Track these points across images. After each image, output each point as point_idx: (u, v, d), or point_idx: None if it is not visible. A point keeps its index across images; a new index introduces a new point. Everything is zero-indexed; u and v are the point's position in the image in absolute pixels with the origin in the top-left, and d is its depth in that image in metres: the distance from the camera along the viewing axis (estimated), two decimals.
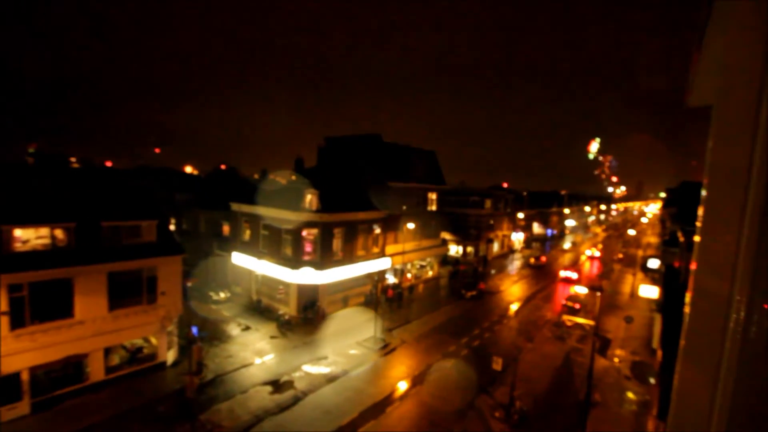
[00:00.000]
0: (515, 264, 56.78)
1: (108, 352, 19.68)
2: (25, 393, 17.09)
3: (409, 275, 40.37)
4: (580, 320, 26.83)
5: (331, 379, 21.43)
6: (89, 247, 18.92)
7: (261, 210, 31.59)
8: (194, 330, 23.14)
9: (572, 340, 28.45)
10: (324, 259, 29.50)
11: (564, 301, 35.28)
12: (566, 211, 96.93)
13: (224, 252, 35.71)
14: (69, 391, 18.31)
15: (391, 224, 35.92)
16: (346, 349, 25.13)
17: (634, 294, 41.13)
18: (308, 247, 29.50)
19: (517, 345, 26.93)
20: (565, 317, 31.91)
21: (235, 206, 34.07)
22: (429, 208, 41.70)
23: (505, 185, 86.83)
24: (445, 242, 47.56)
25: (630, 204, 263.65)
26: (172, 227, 26.38)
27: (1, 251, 16.61)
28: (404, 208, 37.10)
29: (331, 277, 29.79)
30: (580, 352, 26.47)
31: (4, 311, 16.38)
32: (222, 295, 32.77)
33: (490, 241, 58.00)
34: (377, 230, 34.50)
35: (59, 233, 18.35)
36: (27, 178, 19.92)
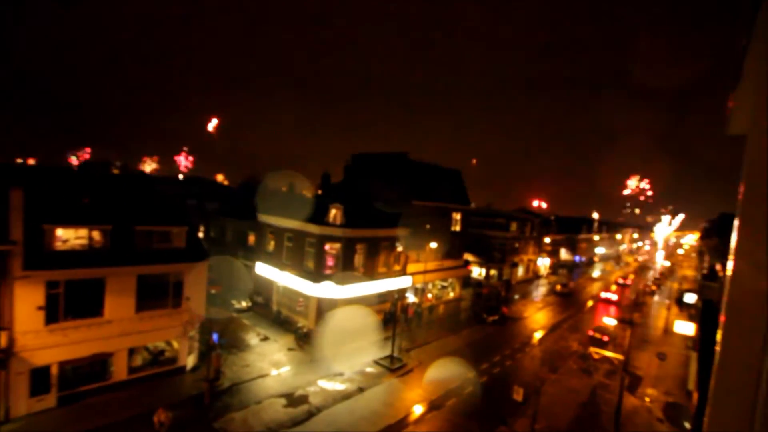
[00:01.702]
0: (540, 290, 54.99)
1: (132, 352, 20.24)
2: (53, 386, 17.74)
3: (429, 295, 39.78)
4: (609, 354, 25.52)
5: (345, 396, 21.14)
6: (122, 250, 19.75)
7: (286, 222, 32.18)
8: (214, 337, 23.54)
9: (599, 375, 27.03)
10: (345, 274, 29.56)
11: (591, 332, 33.73)
12: (596, 237, 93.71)
13: (249, 261, 36.42)
14: (93, 388, 18.87)
15: (414, 243, 35.74)
16: (363, 366, 24.82)
17: (668, 329, 38.85)
18: (330, 262, 29.68)
19: (539, 376, 25.82)
20: (592, 349, 30.44)
21: (262, 217, 34.85)
22: (453, 228, 41.29)
23: (535, 204, 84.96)
24: (467, 264, 46.76)
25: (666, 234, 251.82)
26: (200, 234, 27.26)
27: (43, 249, 17.59)
28: (427, 226, 36.90)
29: (350, 292, 29.75)
30: (608, 388, 25.08)
31: (42, 306, 17.23)
32: (244, 303, 33.27)
33: (515, 265, 56.59)
34: (399, 248, 34.37)
35: (96, 235, 19.28)
36: (70, 180, 21.17)
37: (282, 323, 30.80)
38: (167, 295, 21.12)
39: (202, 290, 22.63)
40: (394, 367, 24.98)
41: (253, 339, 27.54)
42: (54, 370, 17.69)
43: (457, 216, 41.79)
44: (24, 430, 16.20)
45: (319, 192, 34.19)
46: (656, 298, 56.68)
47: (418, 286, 37.29)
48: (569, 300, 50.11)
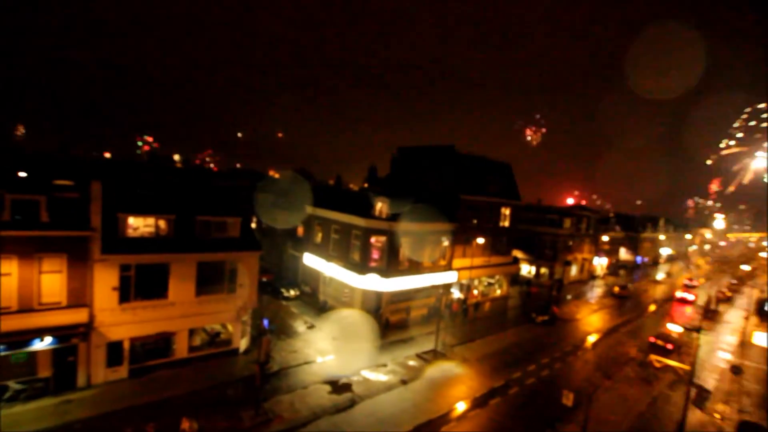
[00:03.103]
0: (596, 291, 51.84)
1: (192, 333, 21.84)
2: (125, 359, 19.63)
3: (475, 291, 38.95)
4: (673, 363, 23.47)
5: (388, 387, 21.36)
6: (184, 238, 21.27)
7: (333, 214, 32.90)
8: (265, 322, 24.73)
9: (661, 385, 25.04)
10: (390, 267, 29.72)
11: (653, 339, 31.27)
12: (661, 237, 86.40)
13: (297, 252, 37.76)
14: (158, 363, 20.64)
15: (460, 237, 35.08)
16: (406, 359, 24.91)
17: (745, 341, 35.05)
18: (375, 254, 29.97)
19: (592, 381, 24.42)
20: (653, 357, 28.24)
21: (310, 209, 35.90)
22: (501, 224, 39.98)
23: (585, 203, 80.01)
24: (516, 261, 45.14)
25: (745, 235, 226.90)
26: (253, 225, 28.65)
27: (118, 235, 19.39)
28: (475, 221, 36.01)
29: (395, 285, 29.88)
30: (670, 400, 23.18)
31: (116, 287, 19.06)
32: (292, 292, 34.61)
33: (568, 264, 53.75)
34: (445, 242, 33.91)
35: (162, 223, 20.91)
36: (140, 173, 23.07)
37: (328, 312, 31.66)
38: (223, 282, 22.48)
39: (254, 278, 23.82)
40: (438, 361, 24.79)
41: (300, 326, 28.61)
42: (126, 345, 19.55)
43: (506, 211, 40.38)
44: (102, 395, 18.09)
45: (366, 185, 34.56)
46: (732, 305, 51.27)
47: (464, 281, 36.62)
48: (628, 303, 46.78)
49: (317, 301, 33.69)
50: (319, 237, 34.97)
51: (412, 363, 24.54)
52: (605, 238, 62.76)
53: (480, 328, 32.39)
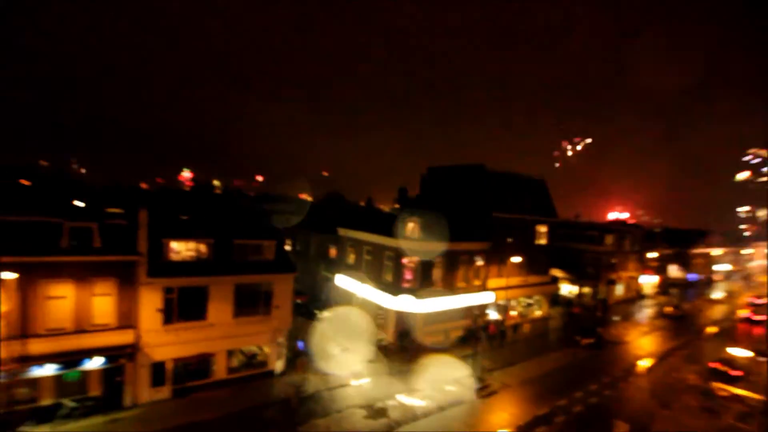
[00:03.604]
0: (645, 312, 48.47)
1: (230, 354, 22.26)
2: (168, 380, 20.22)
3: (513, 312, 37.49)
4: (741, 392, 21.20)
5: (425, 413, 20.65)
6: (223, 261, 22.04)
7: (364, 235, 33.09)
8: (300, 345, 24.87)
9: (729, 417, 22.69)
10: (423, 287, 29.29)
11: (715, 365, 28.61)
12: (716, 252, 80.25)
13: (330, 273, 38.06)
14: (199, 384, 21.10)
15: (495, 257, 34.17)
16: (442, 384, 24.09)
17: None
18: (408, 275, 29.69)
19: (647, 411, 22.53)
20: (717, 385, 25.79)
21: (342, 231, 36.32)
22: (537, 242, 38.67)
23: (630, 218, 76.05)
24: (555, 280, 43.24)
25: None
26: (287, 248, 29.32)
27: (161, 259, 20.38)
28: (509, 240, 35.06)
29: (429, 306, 29.32)
30: None
31: (160, 309, 19.89)
32: (326, 314, 34.69)
33: (612, 283, 50.85)
34: (479, 262, 33.12)
35: (202, 247, 21.81)
36: (182, 200, 24.35)
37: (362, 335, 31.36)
38: (259, 304, 22.94)
39: (289, 300, 24.15)
40: (476, 387, 23.80)
41: (334, 348, 28.46)
42: (168, 366, 20.17)
43: (542, 228, 39.07)
44: (146, 415, 18.63)
45: (397, 206, 34.66)
46: None
47: (501, 302, 35.39)
48: (682, 324, 43.30)
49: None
50: (351, 258, 35.16)
51: (449, 388, 23.69)
52: (652, 254, 59.10)
53: (520, 352, 30.95)
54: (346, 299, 35.38)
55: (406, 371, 25.43)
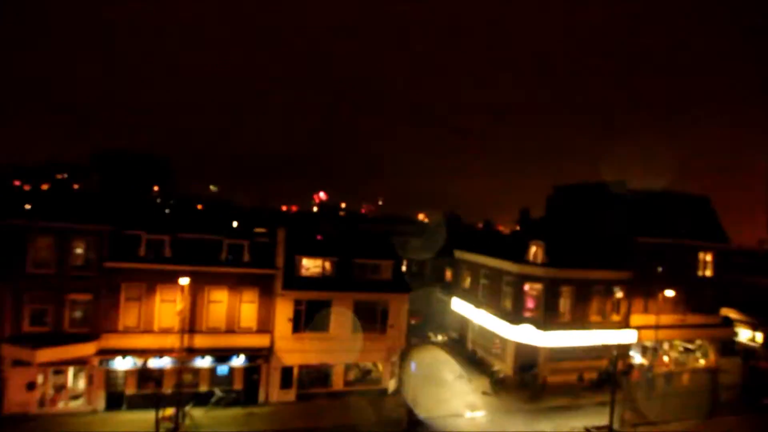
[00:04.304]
0: None
1: (347, 368, 23.56)
2: (294, 384, 22.37)
3: (665, 358, 31.03)
4: None
5: None
6: (344, 278, 23.73)
7: (482, 259, 31.78)
8: (413, 366, 24.86)
9: None
10: (547, 318, 26.52)
11: None
12: None
13: (445, 296, 37.49)
14: (319, 392, 22.81)
15: (639, 288, 29.04)
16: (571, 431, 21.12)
17: None
18: (530, 303, 27.32)
19: None
20: None
21: (458, 253, 35.59)
22: (700, 273, 31.62)
23: None
24: (729, 322, 34.49)
25: None
26: (403, 268, 30.05)
27: (294, 274, 22.94)
28: (658, 269, 29.48)
29: (554, 340, 26.33)
30: None
31: (291, 318, 22.31)
32: (440, 337, 34.14)
33: None
34: (618, 294, 28.57)
35: (327, 265, 23.89)
36: (312, 221, 27.17)
37: (477, 363, 29.84)
38: (375, 321, 23.87)
39: (403, 320, 24.55)
40: None
41: (447, 374, 27.66)
42: (295, 371, 22.36)
43: (707, 257, 31.85)
44: (275, 413, 20.87)
45: (518, 228, 32.53)
46: None
47: (648, 344, 29.68)
48: None
49: (465, 349, 32.25)
50: (467, 282, 34.10)
51: None
52: None
53: (674, 408, 25.23)
54: (461, 324, 34.27)
55: (527, 410, 23.10)
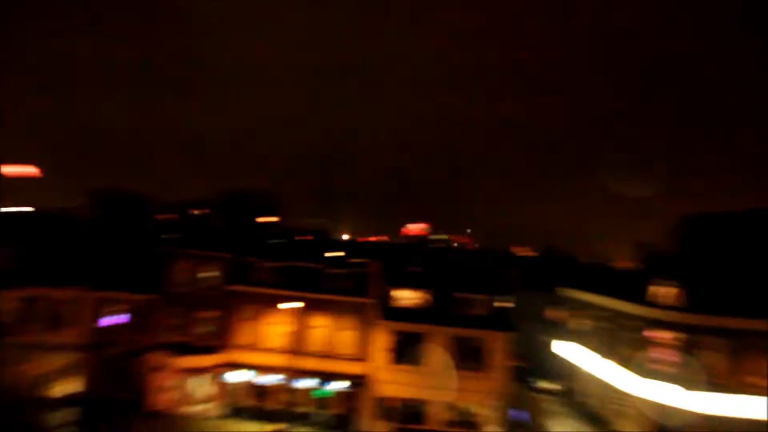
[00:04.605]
0: None
1: (443, 407, 22.27)
2: (388, 416, 22.07)
3: None
4: None
5: None
6: (440, 311, 23.04)
7: (596, 298, 28.14)
8: (515, 414, 22.47)
9: None
10: (688, 376, 21.88)
11: None
12: None
13: (551, 339, 33.83)
14: (414, 428, 21.98)
15: None
16: None
17: None
18: (663, 355, 22.97)
19: None
20: None
21: (564, 291, 32.24)
22: None
23: None
24: None
25: None
26: (503, 305, 28.14)
27: (389, 304, 22.98)
28: None
29: (698, 404, 21.46)
30: None
31: (386, 348, 22.17)
32: (546, 385, 30.58)
33: None
34: None
35: (422, 297, 23.51)
36: (407, 252, 27.28)
37: (591, 419, 25.78)
38: (473, 360, 22.48)
39: (505, 361, 22.68)
40: None
41: (557, 426, 24.31)
42: (390, 403, 21.92)
43: None
44: None
45: (640, 264, 28.31)
46: None
47: None
48: None
49: (578, 403, 28.19)
50: (577, 324, 30.35)
51: None
52: None
53: None
54: (571, 371, 30.27)
55: None
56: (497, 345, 22.49)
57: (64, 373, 22.40)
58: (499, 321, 23.20)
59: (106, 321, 22.58)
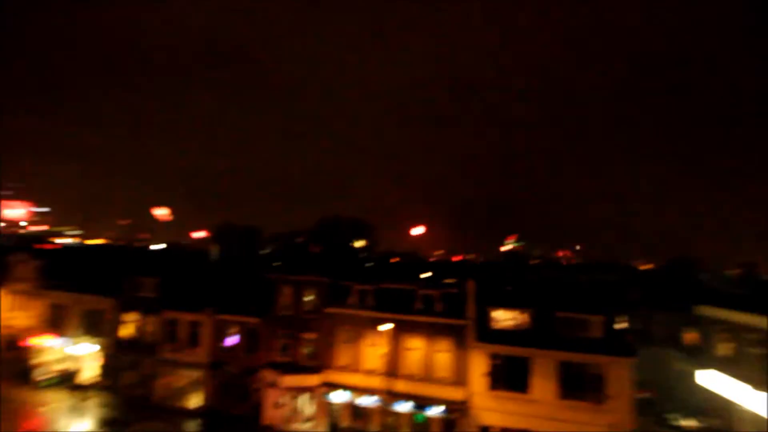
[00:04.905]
0: None
1: None
2: None
3: None
4: None
5: None
6: (544, 333, 21.06)
7: (748, 318, 23.15)
8: None
9: None
10: None
11: None
12: None
13: (688, 366, 28.47)
14: None
15: None
16: None
17: None
18: None
19: None
20: None
21: (703, 309, 27.14)
22: None
23: None
24: None
25: None
26: (621, 326, 24.67)
27: (486, 326, 21.81)
28: None
29: None
30: None
31: (485, 373, 20.91)
32: (685, 422, 25.62)
33: None
34: None
35: (523, 317, 21.81)
36: (503, 270, 25.81)
37: None
38: (587, 388, 19.93)
39: (627, 391, 19.66)
40: None
41: None
42: None
43: None
44: None
45: None
46: None
47: None
48: None
49: None
50: (723, 349, 25.16)
51: None
52: None
53: None
54: (718, 405, 24.94)
55: None
56: (613, 372, 19.67)
57: (194, 386, 25.76)
58: (617, 344, 20.35)
59: (228, 341, 25.53)
